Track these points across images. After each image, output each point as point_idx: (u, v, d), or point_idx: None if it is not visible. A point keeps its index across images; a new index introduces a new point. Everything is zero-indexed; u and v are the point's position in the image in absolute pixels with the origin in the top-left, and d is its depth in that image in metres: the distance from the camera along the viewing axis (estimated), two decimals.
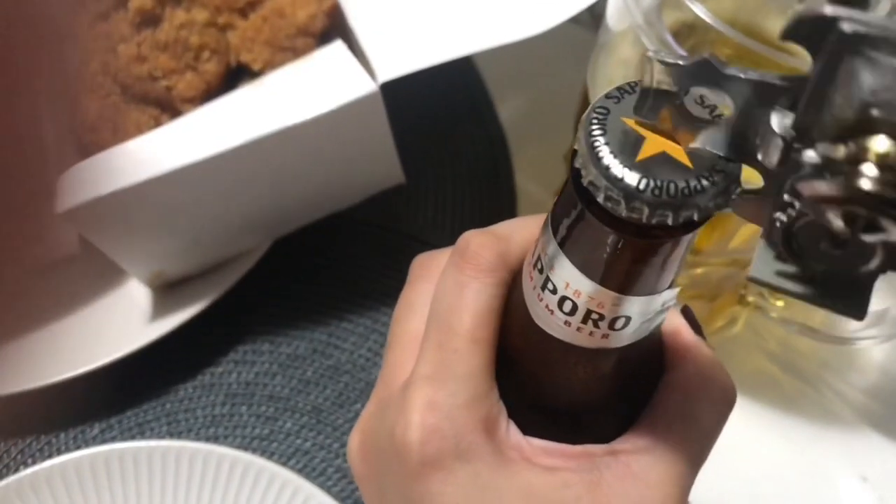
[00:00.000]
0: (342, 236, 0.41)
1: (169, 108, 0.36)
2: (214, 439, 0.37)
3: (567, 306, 0.18)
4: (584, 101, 0.34)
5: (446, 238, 0.42)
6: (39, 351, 0.36)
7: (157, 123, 0.35)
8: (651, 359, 0.22)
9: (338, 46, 0.32)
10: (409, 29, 0.33)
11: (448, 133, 0.45)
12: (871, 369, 0.40)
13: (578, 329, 0.18)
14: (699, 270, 0.34)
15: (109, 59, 0.35)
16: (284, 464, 0.36)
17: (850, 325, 0.35)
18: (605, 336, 0.18)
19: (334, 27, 0.36)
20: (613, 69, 0.32)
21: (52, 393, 0.35)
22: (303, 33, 0.35)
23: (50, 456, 0.36)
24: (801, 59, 0.31)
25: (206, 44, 0.35)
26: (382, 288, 0.40)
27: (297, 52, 0.35)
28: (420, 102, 0.44)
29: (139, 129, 0.35)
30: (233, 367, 0.38)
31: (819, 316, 0.36)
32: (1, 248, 0.32)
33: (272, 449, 0.36)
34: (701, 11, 0.26)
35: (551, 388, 0.21)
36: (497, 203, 0.44)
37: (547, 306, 0.18)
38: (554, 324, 0.19)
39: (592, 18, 0.41)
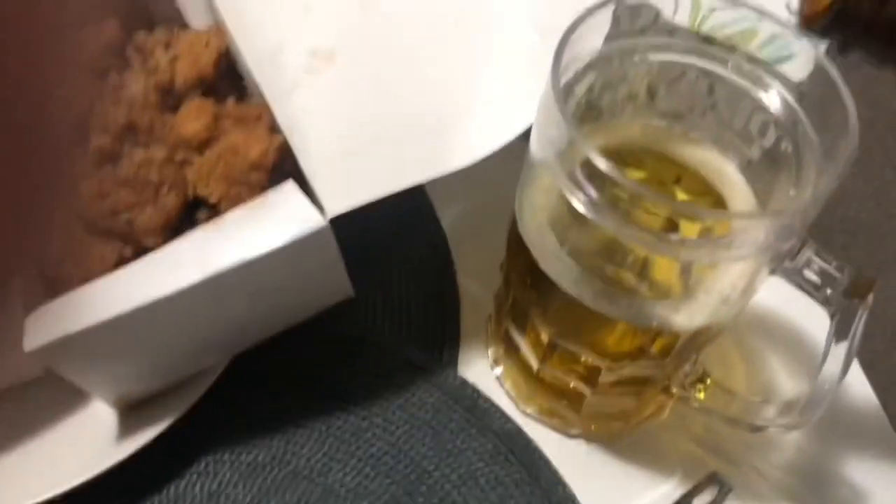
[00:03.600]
0: (294, 344, 0.43)
1: (131, 241, 0.38)
2: None
3: None
4: (513, 220, 0.37)
5: (394, 340, 0.45)
6: (4, 477, 0.38)
7: (121, 255, 0.38)
8: None
9: (289, 186, 0.35)
10: (356, 163, 0.36)
11: (393, 238, 0.49)
12: (788, 448, 0.43)
13: None
14: (626, 371, 0.38)
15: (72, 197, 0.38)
16: None
17: (764, 415, 0.38)
18: None
19: (285, 159, 0.39)
20: (536, 197, 0.36)
21: None
22: (255, 168, 0.38)
23: None
24: (690, 203, 0.35)
25: (165, 179, 0.38)
26: (335, 392, 0.43)
27: (250, 186, 0.38)
28: (365, 210, 0.47)
29: (103, 262, 0.37)
30: (196, 479, 0.40)
31: (736, 406, 0.40)
32: None
33: None
34: (592, 153, 0.29)
35: None
36: (441, 303, 0.47)
37: None
38: None
39: (525, 133, 0.45)
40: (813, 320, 0.47)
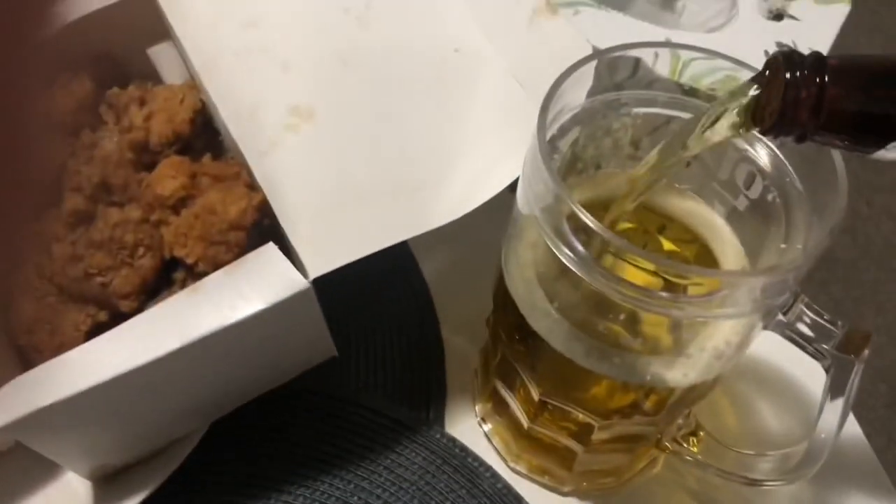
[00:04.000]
0: (276, 407, 0.42)
1: (106, 305, 0.37)
2: None
3: None
4: (500, 276, 0.37)
5: (379, 399, 0.44)
6: None
7: (95, 321, 0.36)
8: None
9: (270, 247, 0.34)
10: (337, 222, 0.36)
11: (374, 294, 0.48)
12: (783, 500, 0.43)
13: None
14: (618, 427, 0.37)
15: (44, 261, 0.37)
16: None
17: (759, 469, 0.38)
18: None
19: (264, 216, 0.38)
20: (523, 253, 0.35)
21: None
22: (234, 227, 0.37)
23: None
24: (673, 262, 0.34)
25: (141, 240, 0.37)
26: (319, 455, 0.41)
27: (229, 246, 0.37)
28: (345, 267, 0.47)
29: (76, 329, 0.36)
30: None
31: (730, 459, 0.39)
32: None
33: None
34: (579, 210, 0.29)
35: None
36: (425, 359, 0.46)
37: None
38: None
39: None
40: (801, 366, 0.47)
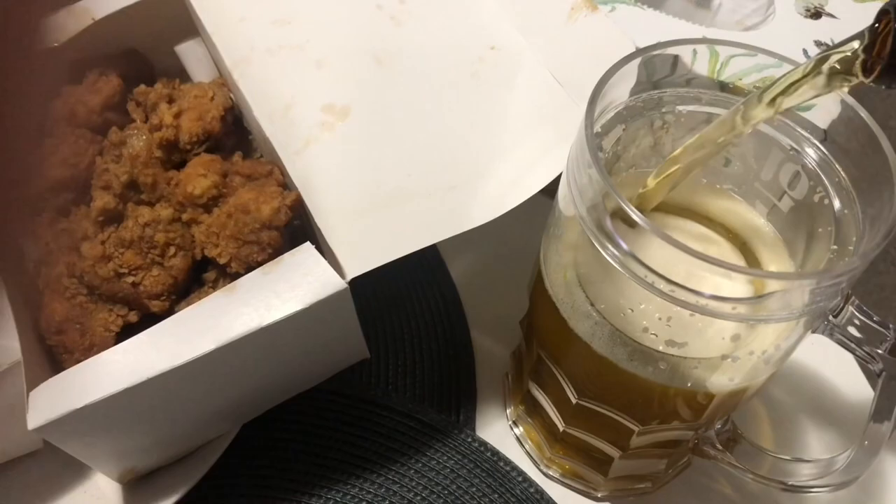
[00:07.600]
0: (306, 409, 0.42)
1: (136, 305, 0.36)
2: None
3: None
4: (539, 277, 0.36)
5: (409, 402, 0.43)
6: None
7: (125, 321, 0.36)
8: None
9: (306, 247, 0.34)
10: (374, 222, 0.35)
11: (402, 296, 0.47)
12: None
13: None
14: (656, 433, 0.36)
15: (74, 260, 0.36)
16: None
17: (798, 474, 0.37)
18: None
19: (298, 215, 0.37)
20: (563, 254, 0.34)
21: None
22: (267, 227, 0.36)
23: None
24: (715, 245, 0.34)
25: (172, 240, 0.36)
26: (349, 458, 0.41)
27: (262, 245, 0.36)
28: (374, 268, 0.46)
29: (107, 329, 0.36)
30: None
31: (767, 464, 0.38)
32: None
33: None
34: (623, 202, 0.28)
35: None
36: (454, 361, 0.45)
37: None
38: None
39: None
40: (836, 369, 0.46)
